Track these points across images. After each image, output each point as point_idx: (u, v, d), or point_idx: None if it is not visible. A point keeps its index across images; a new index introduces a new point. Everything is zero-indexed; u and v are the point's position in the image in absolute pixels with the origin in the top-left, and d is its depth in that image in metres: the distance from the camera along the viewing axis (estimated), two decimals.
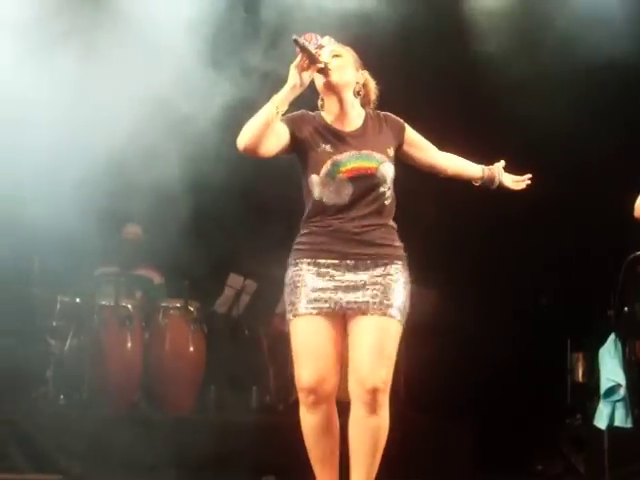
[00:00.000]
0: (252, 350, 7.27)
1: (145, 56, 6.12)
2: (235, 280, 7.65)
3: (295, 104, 3.91)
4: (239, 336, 7.62)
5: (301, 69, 3.78)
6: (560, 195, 7.45)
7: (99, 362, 7.05)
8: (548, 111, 6.92)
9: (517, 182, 4.23)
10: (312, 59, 3.79)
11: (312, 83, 3.95)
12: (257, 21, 6.32)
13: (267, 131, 3.75)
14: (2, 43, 6.04)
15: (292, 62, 3.83)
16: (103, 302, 7.32)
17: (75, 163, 6.33)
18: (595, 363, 6.85)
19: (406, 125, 4.03)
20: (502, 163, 4.21)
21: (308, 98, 3.99)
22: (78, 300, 7.30)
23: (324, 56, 3.87)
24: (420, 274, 7.78)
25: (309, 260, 3.84)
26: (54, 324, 7.26)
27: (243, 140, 3.76)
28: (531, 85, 7.02)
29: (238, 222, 7.59)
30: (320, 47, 3.84)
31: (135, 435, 6.53)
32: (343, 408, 3.93)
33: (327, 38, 3.93)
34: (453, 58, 7.25)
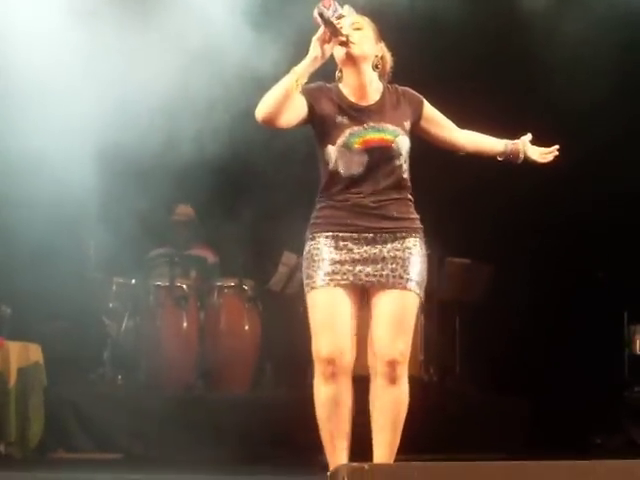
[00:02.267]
0: (307, 328, 7.25)
1: (191, 25, 6.12)
2: (289, 258, 7.65)
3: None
4: (293, 314, 7.63)
5: (323, 42, 3.77)
6: (617, 167, 7.37)
7: (155, 342, 7.11)
8: (591, 84, 6.85)
9: (544, 155, 4.17)
10: (334, 32, 3.77)
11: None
12: None
13: (286, 102, 3.75)
14: (51, 11, 6.05)
15: (315, 34, 3.81)
16: (158, 283, 7.37)
17: (126, 144, 6.36)
18: None
19: (425, 101, 4.00)
20: (529, 136, 4.15)
21: (324, 69, 3.96)
22: (133, 281, 7.37)
23: (345, 27, 3.83)
24: (475, 249, 7.82)
25: (327, 234, 3.85)
26: (110, 306, 7.33)
27: (262, 110, 3.77)
28: (573, 58, 6.93)
29: (291, 198, 7.59)
30: (340, 16, 3.80)
31: (192, 414, 6.60)
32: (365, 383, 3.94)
33: (347, 7, 3.89)
34: (492, 32, 7.21)
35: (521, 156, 4.12)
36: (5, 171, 6.34)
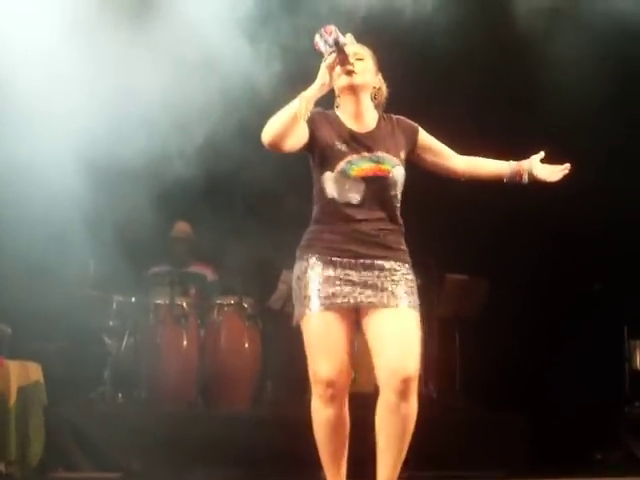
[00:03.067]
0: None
1: (185, 37, 6.14)
2: (288, 276, 7.60)
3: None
4: (293, 331, 7.62)
5: (332, 69, 3.82)
6: (615, 179, 7.39)
7: (156, 360, 7.11)
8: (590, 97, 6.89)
9: (554, 173, 4.14)
10: (344, 60, 3.83)
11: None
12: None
13: (294, 127, 3.78)
14: (45, 23, 6.07)
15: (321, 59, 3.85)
16: (158, 301, 7.37)
17: (123, 161, 6.37)
18: None
19: (420, 129, 4.04)
20: (540, 155, 4.14)
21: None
22: (133, 299, 7.37)
23: (350, 57, 3.89)
24: (471, 264, 7.83)
25: (323, 257, 3.88)
26: (110, 324, 7.34)
27: (269, 134, 3.79)
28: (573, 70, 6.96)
29: (291, 216, 7.61)
30: (344, 45, 3.85)
31: (192, 432, 6.59)
32: (363, 400, 3.97)
33: (349, 36, 3.94)
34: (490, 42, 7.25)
35: (525, 176, 4.11)
36: (1, 187, 6.36)
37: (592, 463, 7.22)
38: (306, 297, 3.86)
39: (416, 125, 4.04)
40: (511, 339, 7.74)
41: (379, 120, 4.00)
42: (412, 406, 3.85)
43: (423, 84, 7.10)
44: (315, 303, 3.84)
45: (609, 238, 7.69)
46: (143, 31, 6.11)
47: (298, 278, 3.91)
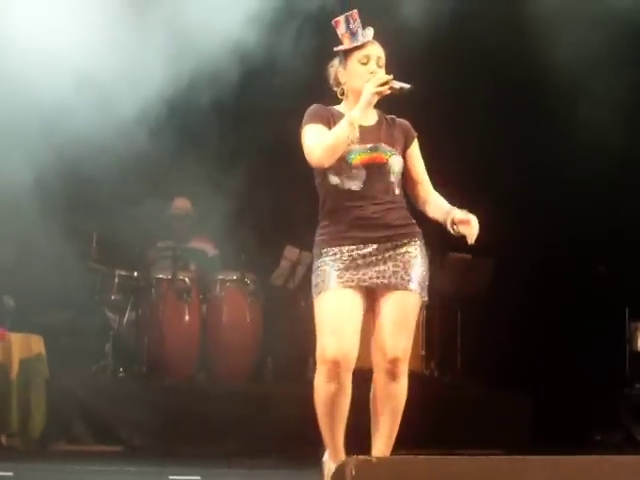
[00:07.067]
0: (308, 322, 7.27)
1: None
2: (291, 252, 7.65)
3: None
4: (295, 308, 7.64)
5: (380, 95, 3.95)
6: (619, 163, 7.39)
7: (157, 335, 7.12)
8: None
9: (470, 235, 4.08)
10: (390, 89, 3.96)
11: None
12: None
13: (343, 149, 3.93)
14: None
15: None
16: (160, 275, 7.37)
17: (123, 138, 6.37)
18: None
19: (415, 140, 4.14)
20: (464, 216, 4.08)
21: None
22: (136, 274, 7.37)
23: (381, 70, 4.02)
24: (476, 244, 7.81)
25: (334, 249, 3.99)
26: (112, 298, 7.33)
27: (324, 159, 3.94)
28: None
29: (293, 192, 7.60)
30: (366, 44, 3.99)
31: (193, 406, 6.61)
32: (364, 376, 4.06)
33: (369, 29, 4.03)
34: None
35: (450, 228, 4.07)
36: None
37: (592, 444, 7.24)
38: (321, 281, 3.97)
39: (414, 133, 4.14)
40: (513, 319, 7.75)
41: (380, 117, 4.11)
42: (401, 386, 4.02)
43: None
44: (324, 286, 3.95)
45: (613, 219, 7.68)
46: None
47: (314, 271, 4.03)
